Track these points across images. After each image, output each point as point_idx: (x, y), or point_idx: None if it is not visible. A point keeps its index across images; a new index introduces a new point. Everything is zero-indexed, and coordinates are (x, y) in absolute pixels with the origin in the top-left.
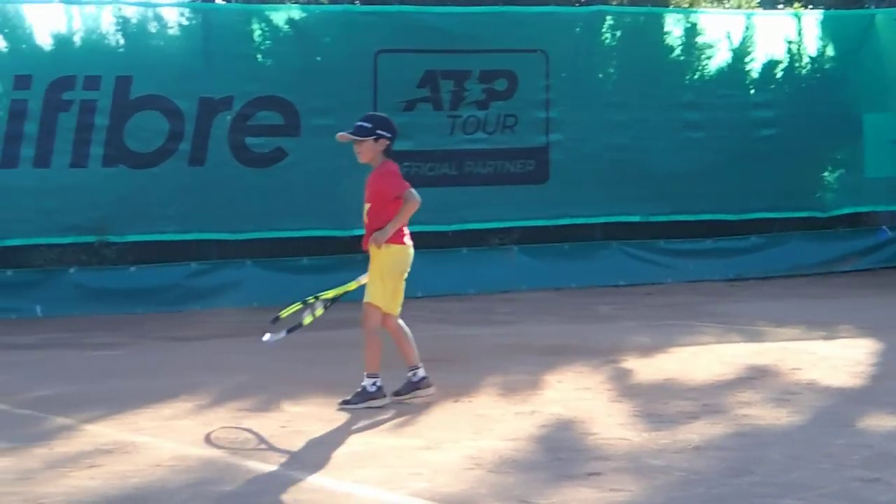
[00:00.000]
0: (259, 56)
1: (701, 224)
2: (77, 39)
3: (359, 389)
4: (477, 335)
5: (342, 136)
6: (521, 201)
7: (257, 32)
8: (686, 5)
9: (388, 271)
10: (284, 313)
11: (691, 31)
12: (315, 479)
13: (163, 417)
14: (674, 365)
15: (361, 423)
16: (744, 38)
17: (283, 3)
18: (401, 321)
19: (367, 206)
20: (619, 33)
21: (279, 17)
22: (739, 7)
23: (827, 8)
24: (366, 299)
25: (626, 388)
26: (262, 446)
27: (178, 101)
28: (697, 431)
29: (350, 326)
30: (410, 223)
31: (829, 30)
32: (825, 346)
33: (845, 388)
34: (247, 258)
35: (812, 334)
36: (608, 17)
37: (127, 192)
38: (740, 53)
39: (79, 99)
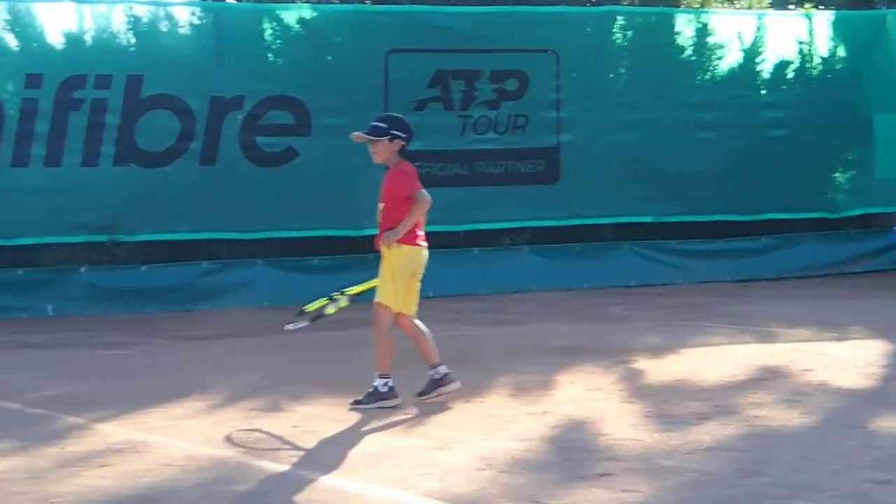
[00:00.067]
0: (270, 55)
1: (712, 225)
2: (88, 38)
3: (370, 390)
4: (488, 335)
5: (357, 135)
6: (532, 201)
7: (268, 32)
8: (697, 5)
9: (398, 271)
10: (309, 307)
11: (702, 32)
12: (327, 479)
13: (174, 417)
14: (685, 366)
15: (373, 424)
16: (755, 39)
17: (294, 2)
18: (417, 321)
19: (380, 205)
20: (629, 33)
21: (290, 16)
22: (750, 7)
23: (838, 8)
24: (376, 299)
25: (638, 389)
26: (274, 446)
27: (189, 101)
28: (709, 432)
29: (360, 326)
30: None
31: (840, 30)
32: (837, 348)
33: (857, 389)
34: (258, 258)
35: (823, 335)
36: (619, 17)
37: (138, 191)
38: (751, 54)
39: (90, 98)
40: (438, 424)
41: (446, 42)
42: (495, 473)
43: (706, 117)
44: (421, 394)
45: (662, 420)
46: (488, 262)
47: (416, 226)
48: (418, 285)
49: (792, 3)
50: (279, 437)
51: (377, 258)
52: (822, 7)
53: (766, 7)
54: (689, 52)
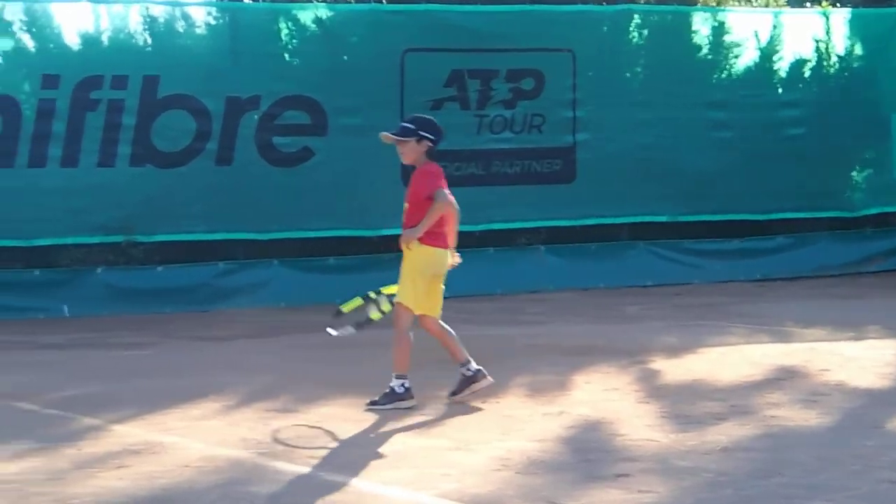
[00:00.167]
0: (286, 55)
1: (728, 224)
2: (104, 39)
3: (387, 390)
4: (504, 335)
5: (385, 136)
6: (548, 201)
7: (284, 31)
8: (713, 4)
9: (419, 272)
10: (346, 307)
11: (719, 30)
12: (343, 480)
13: (190, 418)
14: (701, 366)
15: (389, 424)
16: (771, 37)
17: (311, 2)
18: (441, 321)
19: (405, 206)
20: (646, 32)
21: (306, 16)
22: (767, 5)
23: (855, 6)
24: (396, 299)
25: (654, 389)
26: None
27: (205, 101)
28: (725, 433)
29: (375, 326)
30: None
31: (858, 28)
32: (853, 347)
33: (874, 389)
34: (274, 258)
35: (840, 335)
36: (635, 16)
37: (154, 191)
38: (768, 52)
39: (106, 98)
40: (455, 425)
41: (462, 41)
42: (512, 474)
43: (722, 116)
44: (453, 393)
45: (679, 420)
46: (504, 261)
47: (440, 227)
48: (441, 287)
49: (808, 1)
50: (295, 438)
51: (392, 258)
52: (839, 5)
53: (783, 5)
54: (705, 50)
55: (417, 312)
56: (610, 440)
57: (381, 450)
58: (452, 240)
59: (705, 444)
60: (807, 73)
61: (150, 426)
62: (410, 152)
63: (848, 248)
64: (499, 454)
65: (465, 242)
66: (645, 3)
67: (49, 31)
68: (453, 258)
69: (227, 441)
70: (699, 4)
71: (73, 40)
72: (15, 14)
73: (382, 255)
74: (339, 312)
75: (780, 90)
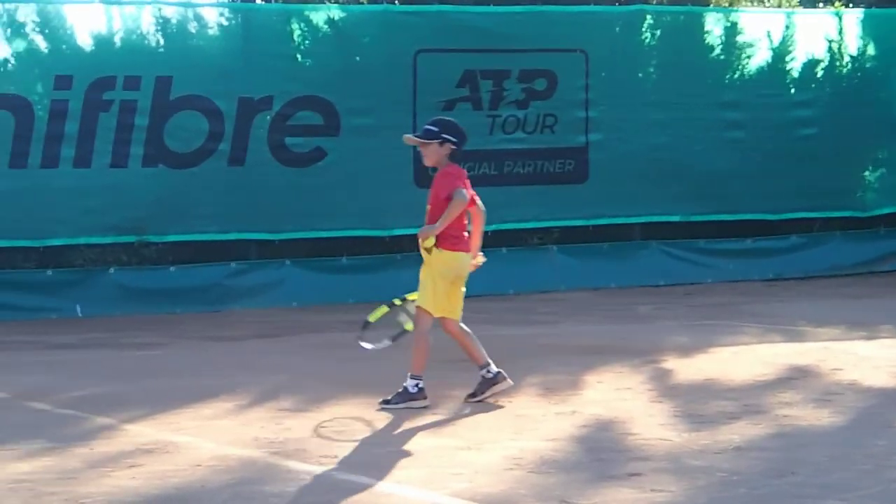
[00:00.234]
0: (298, 56)
1: (741, 224)
2: (117, 40)
3: (400, 390)
4: (517, 335)
5: (409, 138)
6: (561, 201)
7: (297, 32)
8: (726, 4)
9: (439, 276)
10: (373, 317)
11: (731, 30)
12: (355, 479)
13: (203, 417)
14: (714, 365)
15: (402, 424)
16: (784, 37)
17: (323, 2)
18: (462, 324)
19: (427, 207)
20: (658, 32)
21: (318, 16)
22: (780, 6)
23: (868, 6)
24: (417, 303)
25: (667, 389)
26: (302, 446)
27: (217, 101)
28: (738, 432)
29: (388, 327)
30: None
31: (870, 28)
32: (866, 347)
33: (887, 388)
34: (286, 258)
35: (853, 334)
36: (648, 16)
37: (166, 192)
38: (780, 52)
39: (119, 99)
40: (467, 425)
41: (475, 42)
42: (524, 473)
43: (735, 116)
44: (473, 395)
45: (691, 420)
46: (516, 261)
47: (461, 231)
48: (462, 290)
49: (821, 2)
50: (307, 438)
51: (405, 258)
52: (852, 5)
53: (796, 5)
54: (717, 50)
55: (437, 315)
56: (622, 439)
57: (393, 449)
58: (478, 241)
59: (718, 444)
60: (819, 74)
61: (163, 426)
62: (433, 154)
63: (860, 247)
64: (511, 453)
65: None
66: (657, 4)
67: (62, 32)
68: (477, 259)
69: (239, 440)
70: (712, 5)
71: (85, 41)
72: (28, 15)
73: (395, 255)
74: (367, 324)
75: (792, 90)
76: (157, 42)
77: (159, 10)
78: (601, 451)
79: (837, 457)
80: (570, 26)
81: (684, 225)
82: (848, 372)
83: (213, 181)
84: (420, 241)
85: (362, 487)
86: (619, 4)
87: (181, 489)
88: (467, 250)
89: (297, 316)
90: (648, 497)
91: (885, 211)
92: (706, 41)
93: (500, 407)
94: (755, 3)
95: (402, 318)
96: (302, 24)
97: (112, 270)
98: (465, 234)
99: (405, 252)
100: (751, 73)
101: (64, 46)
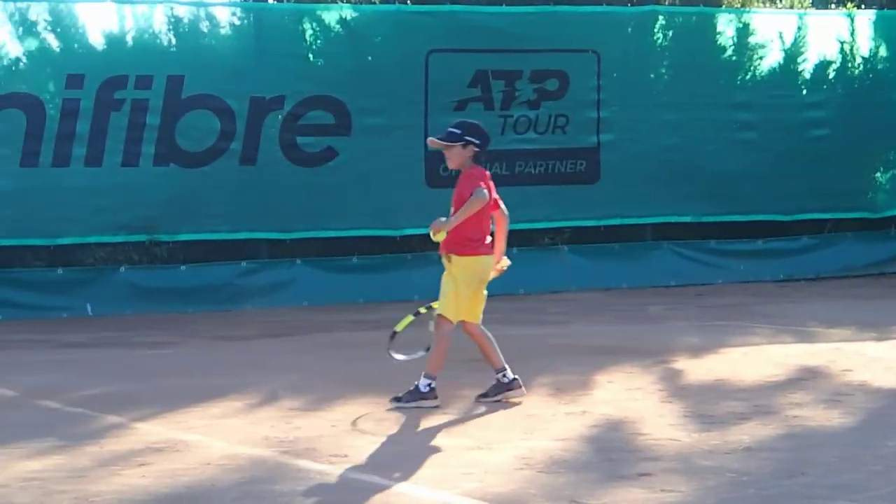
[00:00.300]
0: (310, 55)
1: (752, 224)
2: (129, 39)
3: (412, 388)
4: (527, 335)
5: (432, 141)
6: (572, 201)
7: (308, 32)
8: (738, 5)
9: (464, 283)
10: (399, 327)
11: (743, 31)
12: (366, 478)
13: (213, 416)
14: (724, 366)
15: (412, 423)
16: (796, 38)
17: (335, 2)
18: (482, 327)
19: (451, 210)
20: (670, 33)
21: (330, 16)
22: (791, 7)
23: (880, 8)
24: (438, 310)
25: (677, 389)
26: (312, 445)
27: (229, 101)
28: (748, 432)
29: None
30: None
31: (882, 30)
32: (877, 347)
33: None
34: (297, 257)
35: (864, 335)
36: (660, 17)
37: (178, 191)
38: (792, 53)
39: (130, 98)
40: (478, 424)
41: (487, 42)
42: (534, 473)
43: (747, 117)
44: (484, 395)
45: (702, 420)
46: (527, 261)
47: (482, 235)
48: (484, 293)
49: (833, 3)
50: (317, 437)
51: (415, 258)
52: (864, 6)
53: (808, 6)
54: (729, 51)
55: (457, 320)
56: (632, 439)
57: (404, 448)
58: (502, 245)
59: (728, 444)
60: (831, 75)
61: (173, 424)
62: (456, 157)
63: (872, 248)
64: (521, 453)
65: None
66: (670, 5)
67: (74, 31)
68: (502, 263)
69: (249, 439)
70: (724, 6)
71: (97, 40)
72: (40, 14)
73: (405, 255)
74: (395, 334)
75: (804, 91)
76: (169, 41)
77: (171, 9)
78: (611, 451)
79: (848, 458)
80: (582, 27)
81: (696, 225)
82: (858, 373)
83: (225, 180)
84: (431, 233)
85: (372, 486)
86: (632, 5)
87: (191, 488)
88: (490, 253)
89: (307, 315)
90: (658, 497)
91: None
92: (718, 42)
93: (511, 407)
94: (767, 4)
95: (432, 326)
96: (314, 24)
97: (123, 269)
98: (489, 237)
99: (416, 252)
100: (763, 74)
101: (76, 45)
